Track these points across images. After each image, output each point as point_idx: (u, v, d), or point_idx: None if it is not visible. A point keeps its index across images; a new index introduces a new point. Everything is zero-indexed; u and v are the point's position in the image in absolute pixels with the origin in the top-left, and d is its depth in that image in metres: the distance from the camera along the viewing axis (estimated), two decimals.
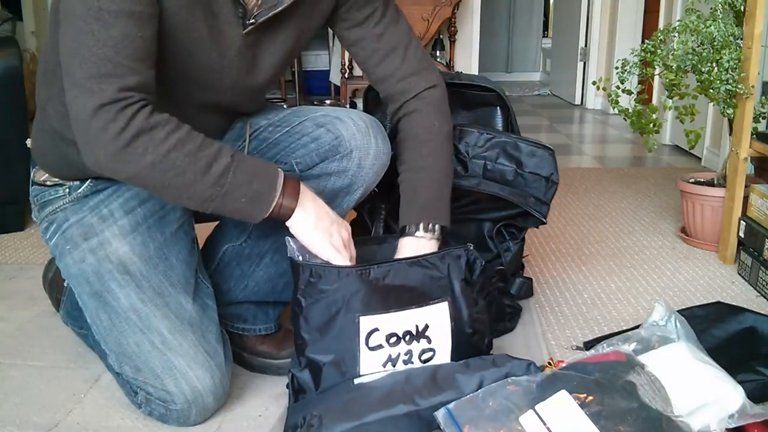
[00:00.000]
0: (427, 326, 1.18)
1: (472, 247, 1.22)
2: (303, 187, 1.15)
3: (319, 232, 1.15)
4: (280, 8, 1.16)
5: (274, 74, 1.27)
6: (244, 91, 1.25)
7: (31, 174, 1.33)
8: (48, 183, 1.30)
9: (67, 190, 1.27)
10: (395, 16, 1.31)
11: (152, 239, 1.25)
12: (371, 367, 1.16)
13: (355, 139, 1.25)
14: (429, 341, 1.18)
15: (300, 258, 1.16)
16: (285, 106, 1.41)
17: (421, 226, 1.26)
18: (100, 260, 1.22)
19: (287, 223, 1.14)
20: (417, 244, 1.25)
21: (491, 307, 1.41)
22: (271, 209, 1.11)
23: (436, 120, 1.31)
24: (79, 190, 1.27)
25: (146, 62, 1.04)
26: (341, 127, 1.26)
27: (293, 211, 1.13)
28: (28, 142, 1.34)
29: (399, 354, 1.17)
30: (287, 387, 1.23)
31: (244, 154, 1.11)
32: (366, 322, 1.15)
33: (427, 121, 1.31)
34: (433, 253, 1.21)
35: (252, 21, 1.16)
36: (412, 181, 1.29)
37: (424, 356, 1.19)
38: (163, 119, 1.04)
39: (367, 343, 1.15)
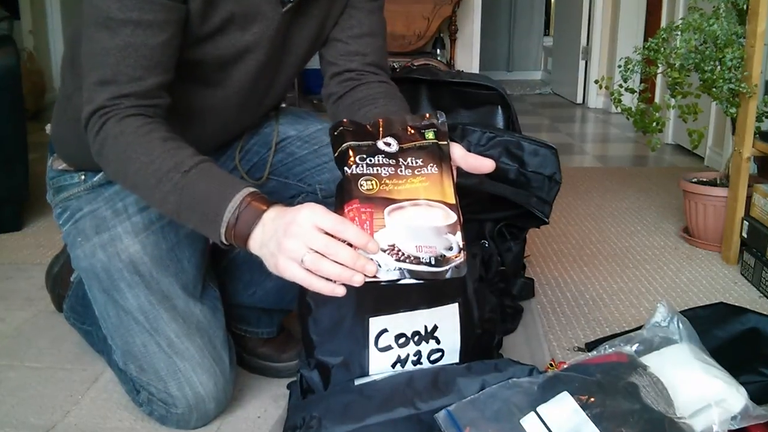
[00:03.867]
0: (436, 327, 1.17)
1: (487, 245, 1.22)
2: (265, 218, 0.95)
3: (282, 266, 0.92)
4: None
5: (304, 53, 1.24)
6: (275, 71, 1.22)
7: (49, 161, 1.33)
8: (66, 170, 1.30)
9: (83, 177, 1.27)
10: (383, 5, 1.29)
11: (165, 239, 1.23)
12: (380, 368, 1.15)
13: None
14: (438, 342, 1.17)
15: None
16: (284, 105, 1.39)
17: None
18: (110, 257, 1.21)
19: (259, 239, 0.96)
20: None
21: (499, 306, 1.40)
22: (222, 238, 0.97)
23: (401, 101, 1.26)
24: (95, 179, 1.26)
25: (153, 69, 1.04)
26: None
27: (246, 244, 0.96)
28: (48, 127, 1.33)
29: (408, 355, 1.16)
30: (287, 388, 1.23)
31: (204, 171, 1.00)
32: (375, 323, 1.14)
33: (396, 91, 1.27)
34: None
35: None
36: (376, 107, 1.20)
37: (433, 357, 1.18)
38: (130, 126, 1.02)
39: (376, 344, 1.14)
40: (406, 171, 0.98)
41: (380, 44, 1.28)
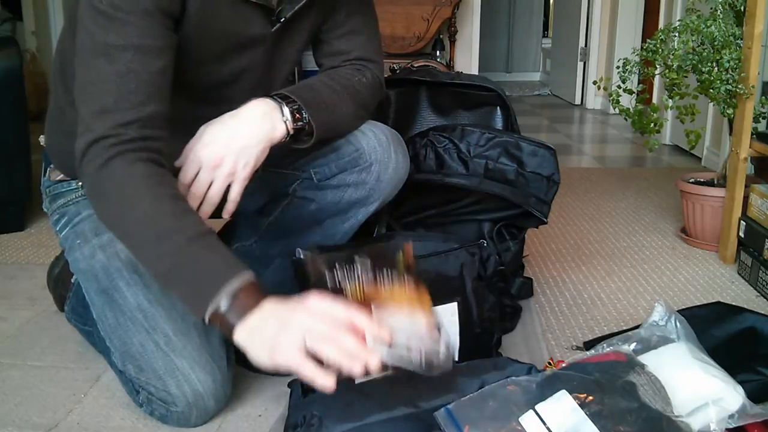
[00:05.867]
0: None
1: (485, 244, 1.23)
2: (265, 304, 0.96)
3: (280, 345, 0.93)
4: (303, 1, 1.17)
5: (294, 62, 1.28)
6: (269, 83, 1.25)
7: (46, 172, 1.33)
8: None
9: (80, 184, 1.27)
10: (368, 1, 1.32)
11: None
12: None
13: (376, 153, 1.25)
14: None
15: None
16: None
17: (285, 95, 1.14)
18: (110, 257, 1.22)
19: (249, 330, 0.96)
20: (262, 102, 1.13)
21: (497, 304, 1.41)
22: (206, 315, 0.97)
23: (368, 88, 1.29)
24: None
25: (154, 96, 1.02)
26: (363, 140, 1.25)
27: (233, 329, 0.96)
28: (41, 139, 1.34)
29: None
30: (288, 386, 1.24)
31: (206, 243, 1.00)
32: None
33: (358, 73, 1.30)
34: (448, 250, 1.20)
35: (282, 18, 1.17)
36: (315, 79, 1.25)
37: None
38: (140, 171, 1.00)
39: None
40: (385, 281, 1.02)
41: (363, 39, 1.32)
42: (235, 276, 0.97)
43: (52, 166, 1.31)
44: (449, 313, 1.19)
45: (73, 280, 1.51)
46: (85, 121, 1.02)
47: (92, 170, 1.01)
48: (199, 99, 1.18)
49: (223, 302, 0.95)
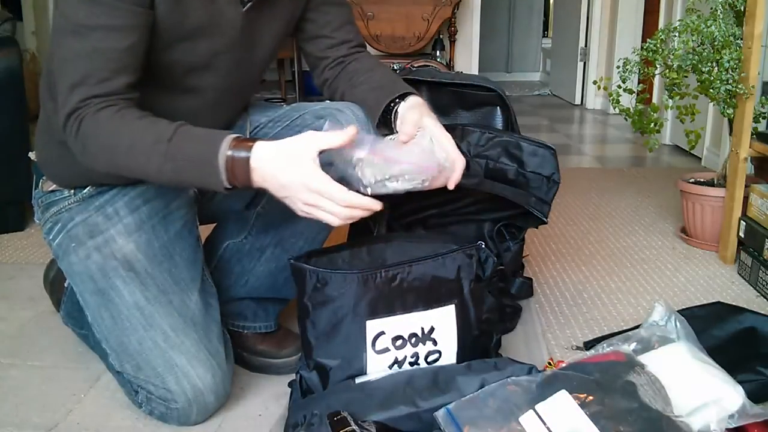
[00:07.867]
0: (432, 328, 1.18)
1: (483, 245, 1.23)
2: (259, 142, 1.05)
3: (288, 190, 1.04)
4: None
5: (272, 50, 1.30)
6: (245, 70, 1.27)
7: (39, 184, 1.33)
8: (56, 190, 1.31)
9: (72, 191, 1.28)
10: None
11: (157, 237, 1.25)
12: (378, 370, 1.16)
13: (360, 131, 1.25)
14: (435, 343, 1.18)
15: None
16: (284, 106, 1.41)
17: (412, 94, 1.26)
18: (105, 257, 1.22)
19: (263, 186, 1.06)
20: (421, 104, 1.24)
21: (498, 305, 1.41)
22: (223, 173, 1.04)
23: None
24: (84, 191, 1.27)
25: (123, 71, 1.08)
26: (341, 118, 1.27)
27: (250, 168, 1.04)
28: (32, 155, 1.34)
29: (405, 356, 1.17)
30: (288, 386, 1.24)
31: (191, 126, 1.08)
32: (372, 326, 1.15)
33: (375, 60, 1.39)
34: (445, 253, 1.20)
35: None
36: (373, 75, 1.33)
37: (430, 358, 1.19)
38: (103, 118, 1.07)
39: (373, 347, 1.15)
40: None
41: (356, 28, 1.40)
42: (224, 134, 1.06)
43: (44, 177, 1.31)
44: (447, 315, 1.19)
45: (66, 284, 1.51)
46: (61, 95, 1.08)
47: (72, 140, 1.09)
48: (176, 88, 1.19)
49: (224, 160, 1.04)
